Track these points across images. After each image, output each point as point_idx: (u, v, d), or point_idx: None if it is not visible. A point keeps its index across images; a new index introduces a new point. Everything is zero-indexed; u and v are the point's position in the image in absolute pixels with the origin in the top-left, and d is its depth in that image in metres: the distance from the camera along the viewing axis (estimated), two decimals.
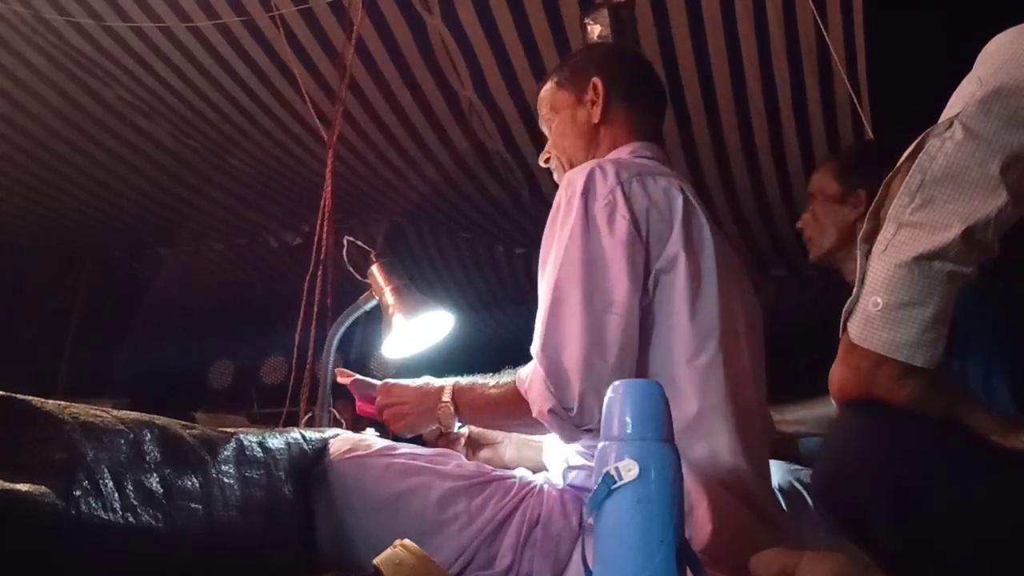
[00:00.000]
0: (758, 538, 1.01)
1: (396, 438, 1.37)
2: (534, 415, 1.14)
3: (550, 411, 1.10)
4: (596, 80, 1.39)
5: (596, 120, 1.39)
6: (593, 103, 1.39)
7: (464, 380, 1.33)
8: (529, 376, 1.17)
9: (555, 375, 1.10)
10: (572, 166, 1.39)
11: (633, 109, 1.40)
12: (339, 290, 2.18)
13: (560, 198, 1.21)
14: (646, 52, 2.67)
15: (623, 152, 1.35)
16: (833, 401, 0.75)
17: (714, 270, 1.18)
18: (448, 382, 1.34)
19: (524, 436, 1.50)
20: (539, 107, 1.49)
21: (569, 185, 1.20)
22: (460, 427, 1.38)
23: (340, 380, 1.52)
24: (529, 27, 2.81)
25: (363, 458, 1.20)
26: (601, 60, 1.46)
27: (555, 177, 1.47)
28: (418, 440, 1.41)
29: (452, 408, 1.30)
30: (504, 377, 1.27)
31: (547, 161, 1.48)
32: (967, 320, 1.53)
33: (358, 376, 1.50)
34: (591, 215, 1.16)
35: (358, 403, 1.47)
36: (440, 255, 4.85)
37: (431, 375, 1.41)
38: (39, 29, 2.92)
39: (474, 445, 1.56)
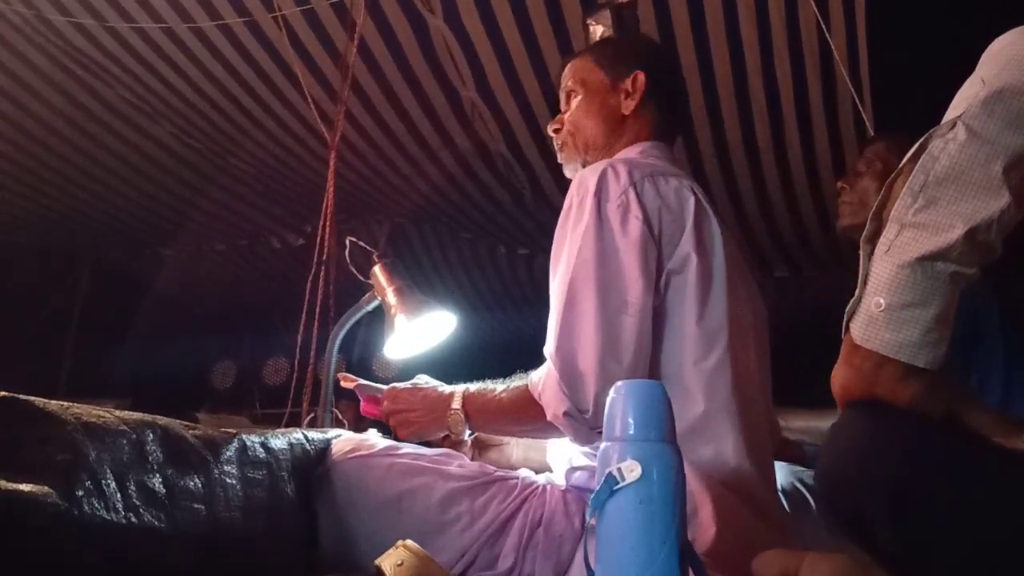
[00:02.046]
0: (761, 540, 1.00)
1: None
2: (548, 418, 1.14)
3: (565, 414, 1.10)
4: (640, 74, 1.37)
5: (627, 112, 1.37)
6: (628, 94, 1.37)
7: (473, 386, 1.31)
8: (542, 379, 1.16)
9: (570, 377, 1.10)
10: (584, 146, 1.38)
11: (662, 110, 1.39)
12: (341, 291, 2.18)
13: (572, 198, 1.20)
14: None
15: (632, 151, 1.33)
16: (837, 405, 0.75)
17: (723, 271, 1.17)
18: (457, 389, 1.31)
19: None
20: (565, 78, 1.45)
21: (581, 185, 1.19)
22: (470, 434, 1.36)
23: (344, 385, 1.51)
24: (531, 27, 2.81)
25: (365, 458, 1.20)
26: (647, 55, 1.43)
27: (558, 155, 1.44)
28: (424, 441, 1.40)
29: (462, 415, 1.28)
30: (514, 381, 1.26)
31: (557, 131, 1.44)
32: (988, 333, 1.52)
33: (361, 380, 1.49)
34: (604, 215, 1.15)
35: (363, 404, 1.46)
36: (442, 255, 4.85)
37: (433, 376, 1.40)
38: (40, 29, 2.92)
39: (481, 446, 1.55)
